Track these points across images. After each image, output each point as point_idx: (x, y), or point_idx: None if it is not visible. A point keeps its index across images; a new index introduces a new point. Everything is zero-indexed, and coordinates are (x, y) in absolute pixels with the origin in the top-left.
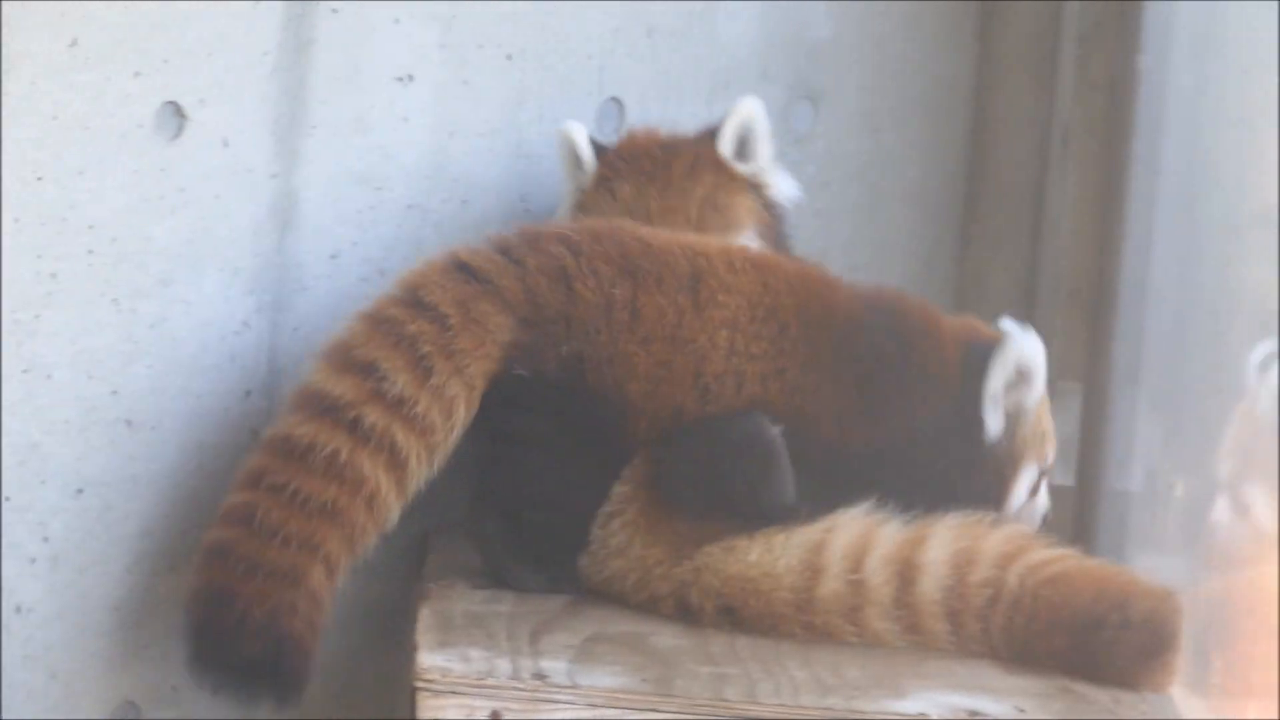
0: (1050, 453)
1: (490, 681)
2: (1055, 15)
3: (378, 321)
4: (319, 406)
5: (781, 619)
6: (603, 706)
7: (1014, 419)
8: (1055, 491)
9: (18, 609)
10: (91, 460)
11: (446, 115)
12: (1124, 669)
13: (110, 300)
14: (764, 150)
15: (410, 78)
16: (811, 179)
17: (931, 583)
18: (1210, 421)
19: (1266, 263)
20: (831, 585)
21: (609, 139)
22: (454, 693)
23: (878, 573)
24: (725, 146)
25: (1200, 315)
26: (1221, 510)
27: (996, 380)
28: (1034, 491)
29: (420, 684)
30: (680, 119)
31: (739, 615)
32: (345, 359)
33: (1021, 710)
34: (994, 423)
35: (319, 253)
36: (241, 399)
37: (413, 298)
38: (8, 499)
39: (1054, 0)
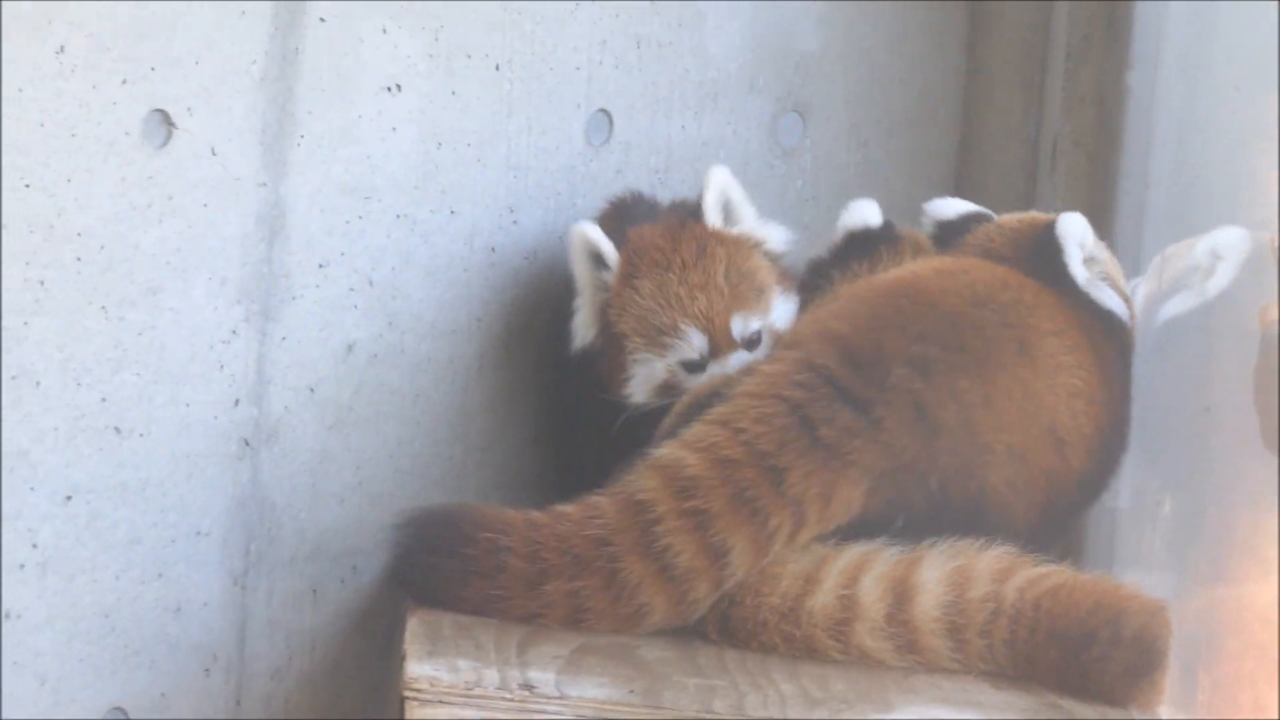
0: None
1: (478, 691)
2: (1044, 28)
3: (737, 496)
4: (662, 560)
5: (764, 626)
6: (591, 718)
7: (1115, 281)
8: None
9: (7, 615)
10: (80, 467)
11: (434, 125)
12: (1113, 686)
13: (98, 308)
14: (746, 210)
15: (398, 87)
16: (799, 192)
17: (930, 600)
18: (1196, 441)
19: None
20: (822, 599)
21: (599, 150)
22: (442, 702)
23: (870, 590)
24: (714, 218)
25: (1189, 335)
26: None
27: (1080, 274)
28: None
29: (409, 693)
30: (670, 131)
31: (729, 616)
32: (703, 531)
33: None
34: (1119, 307)
35: (307, 262)
36: (230, 407)
37: (773, 475)
38: None
39: (1044, 9)
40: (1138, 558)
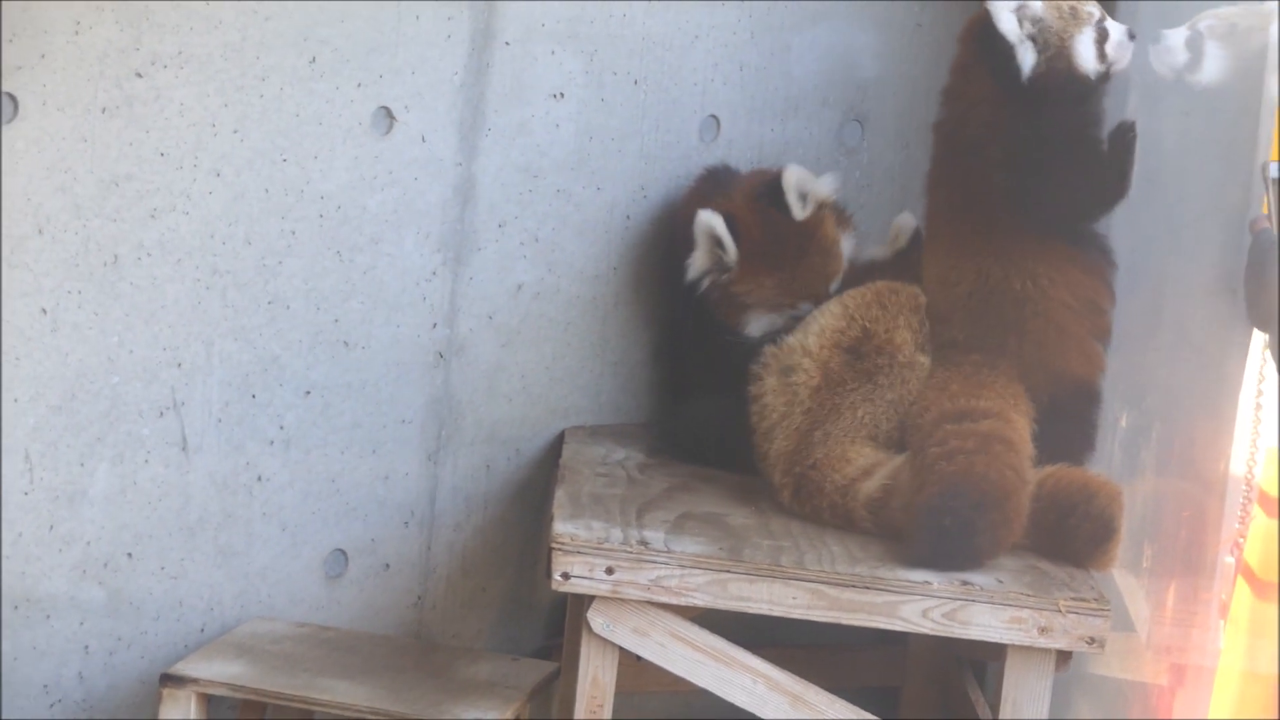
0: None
1: (606, 545)
2: None
3: None
4: None
5: (821, 492)
6: (689, 567)
7: (1042, 37)
8: None
9: (259, 478)
10: (317, 370)
11: (587, 124)
12: (1079, 551)
13: (334, 252)
14: (813, 184)
15: (561, 95)
16: (857, 181)
17: None
18: (1145, 370)
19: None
20: (869, 485)
21: (709, 146)
22: (579, 553)
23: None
24: (798, 214)
25: (1144, 296)
26: None
27: (1010, 27)
28: (1101, 40)
29: (555, 546)
30: (762, 133)
31: (804, 478)
32: None
33: (1000, 581)
34: (1029, 64)
35: (490, 223)
36: (429, 329)
37: None
38: (253, 397)
39: None
40: (1103, 456)
